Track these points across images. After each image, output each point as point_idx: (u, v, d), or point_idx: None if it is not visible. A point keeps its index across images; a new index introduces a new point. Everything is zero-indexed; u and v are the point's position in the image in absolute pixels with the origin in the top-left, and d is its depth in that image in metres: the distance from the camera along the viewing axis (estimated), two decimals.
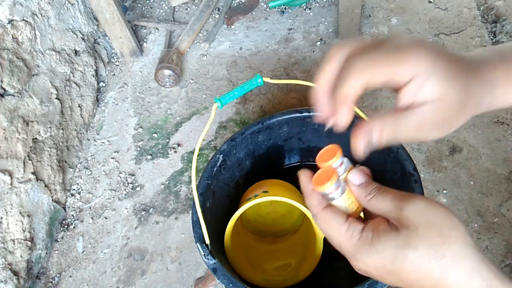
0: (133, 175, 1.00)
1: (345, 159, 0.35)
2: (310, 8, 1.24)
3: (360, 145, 0.32)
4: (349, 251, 0.32)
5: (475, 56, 0.32)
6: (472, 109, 0.31)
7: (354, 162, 0.36)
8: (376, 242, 0.30)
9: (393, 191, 0.32)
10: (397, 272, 0.29)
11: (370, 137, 0.31)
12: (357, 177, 0.34)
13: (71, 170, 1.01)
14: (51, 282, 0.87)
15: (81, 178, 1.02)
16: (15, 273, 0.80)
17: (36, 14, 0.94)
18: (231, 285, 0.56)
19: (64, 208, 0.97)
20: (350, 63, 0.30)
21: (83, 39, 1.12)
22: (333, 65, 0.32)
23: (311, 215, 0.35)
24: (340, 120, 0.33)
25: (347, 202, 0.34)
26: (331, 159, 0.34)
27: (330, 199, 0.34)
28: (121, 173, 1.01)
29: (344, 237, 0.32)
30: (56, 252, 0.92)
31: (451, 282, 0.27)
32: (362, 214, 0.36)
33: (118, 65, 1.23)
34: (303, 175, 0.35)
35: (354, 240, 0.31)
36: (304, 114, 0.71)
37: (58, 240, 0.93)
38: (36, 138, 0.90)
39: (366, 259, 0.30)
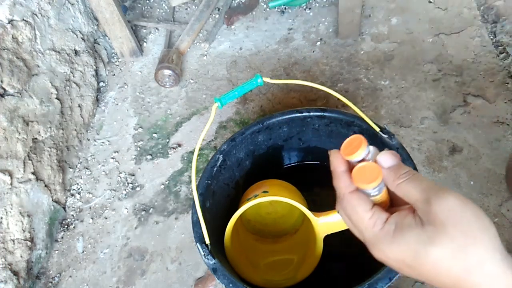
0: (133, 175, 1.00)
1: (371, 148, 0.34)
2: (310, 8, 1.24)
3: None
4: (370, 239, 0.31)
5: None
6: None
7: (380, 149, 0.35)
8: (398, 235, 0.29)
9: (426, 180, 0.30)
10: (416, 267, 0.28)
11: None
12: (387, 159, 0.33)
13: (71, 170, 1.01)
14: (51, 282, 0.87)
15: (81, 178, 1.02)
16: (15, 273, 0.80)
17: (36, 14, 0.94)
18: (231, 285, 0.56)
19: (64, 208, 0.97)
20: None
21: (83, 39, 1.12)
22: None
23: (337, 196, 0.34)
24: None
25: (380, 195, 0.33)
26: (357, 150, 0.33)
27: (369, 194, 0.33)
28: (121, 173, 1.01)
29: (366, 224, 0.31)
30: (56, 252, 0.92)
31: (472, 284, 0.26)
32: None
33: (118, 65, 1.23)
34: (335, 155, 0.34)
35: (377, 229, 0.31)
36: (304, 114, 0.71)
37: (58, 240, 0.93)
38: (36, 138, 0.90)
39: (386, 250, 0.30)
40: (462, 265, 0.26)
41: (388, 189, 0.33)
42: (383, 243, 0.30)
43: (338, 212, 0.35)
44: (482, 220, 0.27)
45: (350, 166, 0.34)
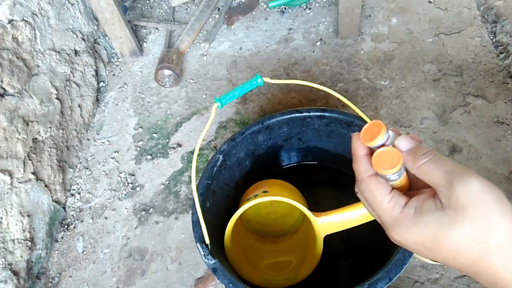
0: (133, 175, 1.00)
1: (391, 133, 0.34)
2: (310, 8, 1.24)
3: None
4: (388, 222, 0.31)
5: None
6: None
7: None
8: (418, 219, 0.29)
9: (448, 161, 0.30)
10: (436, 249, 0.29)
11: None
12: (405, 142, 0.32)
13: (71, 170, 1.01)
14: (51, 282, 0.87)
15: (81, 178, 1.02)
16: (15, 273, 0.80)
17: (36, 14, 0.94)
18: (231, 285, 0.56)
19: (64, 208, 0.97)
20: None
21: (83, 39, 1.12)
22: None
23: (357, 180, 0.34)
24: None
25: (400, 179, 0.33)
26: (376, 136, 0.32)
27: (388, 179, 0.33)
28: (121, 173, 1.01)
29: (385, 207, 0.31)
30: (56, 252, 0.92)
31: (489, 265, 0.27)
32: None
33: (118, 65, 1.23)
34: (355, 138, 0.34)
35: (396, 213, 0.31)
36: (304, 114, 0.71)
37: (58, 240, 0.93)
38: (36, 138, 0.90)
39: (405, 233, 0.30)
40: (482, 247, 0.27)
41: (407, 173, 0.33)
42: (402, 226, 0.30)
43: (356, 193, 0.35)
44: (504, 204, 0.27)
45: (370, 151, 0.34)
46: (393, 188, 0.33)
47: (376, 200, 0.32)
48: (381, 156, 0.32)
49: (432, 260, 0.32)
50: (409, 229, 0.30)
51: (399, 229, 0.30)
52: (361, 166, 0.34)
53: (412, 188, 0.34)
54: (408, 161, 0.32)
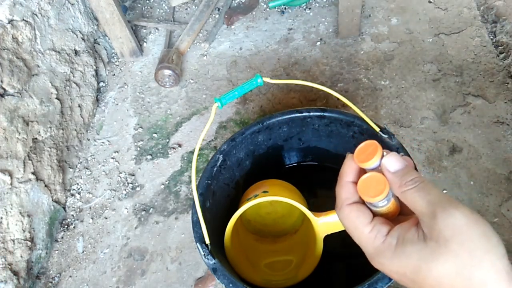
0: (133, 175, 1.00)
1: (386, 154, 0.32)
2: (310, 8, 1.24)
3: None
4: (370, 251, 0.31)
5: None
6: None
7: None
8: (400, 250, 0.29)
9: (434, 190, 0.28)
10: (419, 282, 0.28)
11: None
12: (393, 162, 0.31)
13: (71, 170, 1.01)
14: (51, 282, 0.87)
15: (81, 178, 1.02)
16: (15, 273, 0.80)
17: (36, 14, 0.94)
18: (231, 285, 0.56)
19: (64, 208, 0.97)
20: None
21: (83, 39, 1.12)
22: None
23: (336, 206, 0.33)
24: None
25: (387, 206, 0.32)
26: (371, 158, 0.31)
27: (375, 206, 0.32)
28: (121, 173, 1.01)
29: (366, 237, 0.31)
30: (56, 252, 0.92)
31: None
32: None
33: (118, 65, 1.23)
34: (348, 161, 0.33)
35: (377, 243, 0.30)
36: (304, 114, 0.71)
37: (58, 240, 0.93)
38: (36, 138, 0.90)
39: (387, 264, 0.29)
40: (466, 283, 0.26)
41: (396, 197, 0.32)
42: (384, 257, 0.29)
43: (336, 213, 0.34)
44: (489, 239, 0.26)
45: (359, 177, 0.33)
46: (374, 216, 0.32)
47: (357, 230, 0.31)
48: (367, 183, 0.31)
49: None
50: (391, 260, 0.29)
51: (381, 260, 0.30)
52: (343, 192, 0.33)
53: (402, 212, 0.33)
54: (394, 183, 0.30)
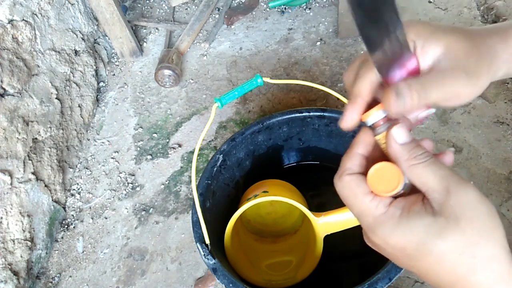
0: (133, 175, 1.00)
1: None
2: (310, 8, 1.24)
3: (393, 104, 0.28)
4: (369, 222, 0.29)
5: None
6: (489, 58, 0.29)
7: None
8: (404, 222, 0.27)
9: (445, 167, 0.27)
10: (416, 258, 0.27)
11: (400, 93, 0.28)
12: (401, 134, 0.28)
13: (71, 170, 1.01)
14: (51, 282, 0.87)
15: (81, 178, 1.02)
16: (15, 273, 0.80)
17: (36, 14, 0.94)
18: (231, 285, 0.56)
19: (64, 208, 0.97)
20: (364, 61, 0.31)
21: (83, 39, 1.12)
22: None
23: (337, 174, 0.31)
24: (347, 118, 0.31)
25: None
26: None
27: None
28: (121, 173, 1.01)
29: (367, 206, 0.29)
30: (56, 252, 0.92)
31: (475, 283, 0.25)
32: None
33: (118, 65, 1.23)
34: (365, 133, 0.31)
35: (379, 212, 0.28)
36: (304, 114, 0.71)
37: (58, 240, 0.93)
38: (36, 138, 0.90)
39: (386, 236, 0.27)
40: (469, 262, 0.25)
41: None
42: (384, 227, 0.27)
43: (335, 186, 0.31)
44: (494, 219, 0.26)
45: (375, 151, 0.31)
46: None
47: (357, 199, 0.29)
48: (378, 174, 0.29)
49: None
50: (392, 230, 0.27)
51: (380, 230, 0.28)
52: (348, 161, 0.31)
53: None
54: (401, 156, 0.28)
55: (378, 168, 0.29)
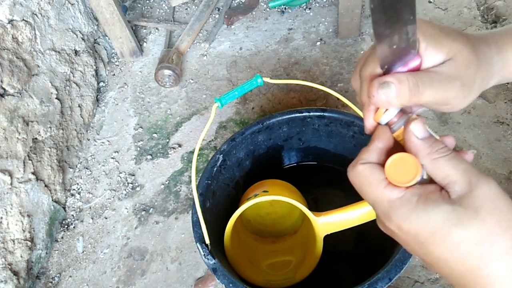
0: (133, 175, 1.00)
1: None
2: (310, 8, 1.24)
3: (377, 96, 0.29)
4: (384, 207, 0.28)
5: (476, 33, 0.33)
6: (485, 69, 0.31)
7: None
8: (421, 207, 0.27)
9: (466, 162, 0.28)
10: (429, 245, 0.27)
11: (387, 88, 0.28)
12: (421, 129, 0.29)
13: (71, 170, 1.01)
14: (51, 282, 0.88)
15: (81, 178, 1.02)
16: (15, 273, 0.80)
17: (36, 14, 0.94)
18: (231, 285, 0.56)
19: (64, 208, 0.97)
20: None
21: (83, 39, 1.12)
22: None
23: (351, 164, 0.31)
24: (366, 124, 0.32)
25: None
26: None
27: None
28: (121, 173, 1.01)
29: (382, 192, 0.28)
30: (56, 252, 0.92)
31: (487, 275, 0.25)
32: None
33: (118, 65, 1.23)
34: (383, 130, 0.31)
35: (394, 196, 0.28)
36: (304, 114, 0.71)
37: (58, 240, 0.93)
38: (36, 138, 0.90)
39: (401, 220, 0.27)
40: (484, 252, 0.25)
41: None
42: (400, 212, 0.27)
43: (348, 175, 0.31)
44: None
45: (395, 147, 0.31)
46: None
47: (372, 185, 0.29)
48: (396, 165, 0.29)
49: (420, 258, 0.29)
50: (407, 215, 0.27)
51: (395, 215, 0.28)
52: (365, 153, 0.31)
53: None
54: (422, 151, 0.28)
55: (397, 158, 0.29)
